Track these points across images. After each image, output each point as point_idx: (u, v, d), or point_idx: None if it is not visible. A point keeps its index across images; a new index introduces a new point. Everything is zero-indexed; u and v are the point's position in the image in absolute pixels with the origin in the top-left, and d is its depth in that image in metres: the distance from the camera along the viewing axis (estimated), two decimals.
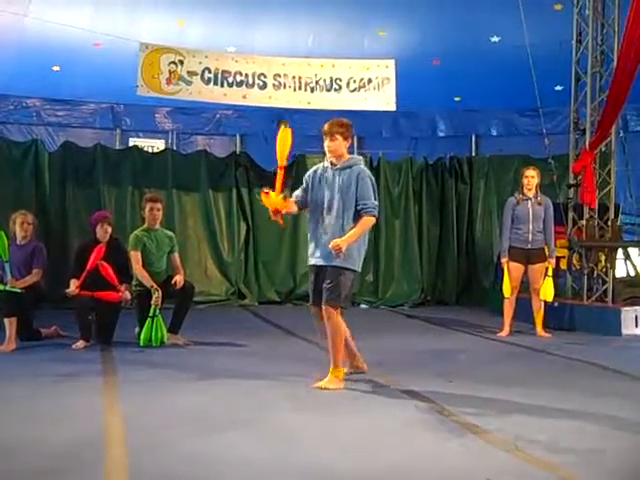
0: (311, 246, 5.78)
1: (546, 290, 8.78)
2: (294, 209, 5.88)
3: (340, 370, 5.72)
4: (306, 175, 5.90)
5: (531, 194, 8.73)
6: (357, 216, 5.64)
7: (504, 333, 8.71)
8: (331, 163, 5.76)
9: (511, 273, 8.75)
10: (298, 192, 5.90)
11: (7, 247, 7.55)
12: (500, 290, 9.02)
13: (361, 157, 5.97)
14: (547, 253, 8.75)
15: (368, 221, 5.65)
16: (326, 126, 5.75)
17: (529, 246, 8.70)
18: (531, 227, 8.67)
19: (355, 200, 5.63)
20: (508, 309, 8.81)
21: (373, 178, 5.79)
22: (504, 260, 8.84)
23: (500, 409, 5.03)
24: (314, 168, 5.90)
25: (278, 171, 5.84)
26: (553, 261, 8.86)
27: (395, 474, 3.72)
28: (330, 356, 5.74)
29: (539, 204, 8.72)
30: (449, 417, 4.79)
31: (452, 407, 5.02)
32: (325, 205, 5.68)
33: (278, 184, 5.72)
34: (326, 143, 5.74)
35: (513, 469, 3.78)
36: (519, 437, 4.27)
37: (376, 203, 5.69)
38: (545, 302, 8.85)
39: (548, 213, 8.75)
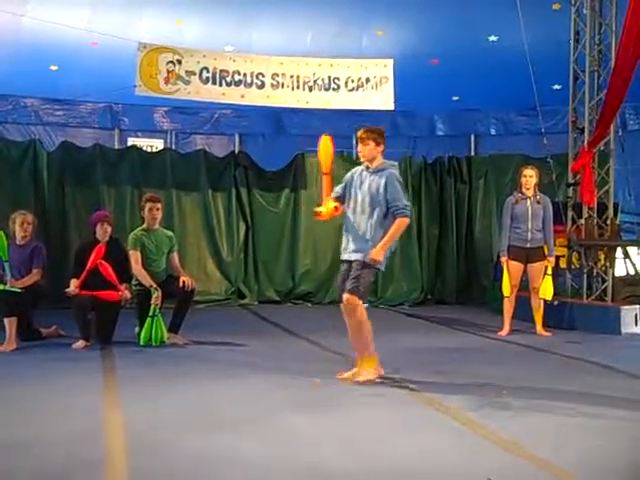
0: (344, 241, 6.04)
1: (545, 289, 8.79)
2: (336, 192, 6.11)
3: (373, 358, 5.87)
4: (346, 175, 6.16)
5: (530, 193, 8.72)
6: (389, 217, 5.88)
7: (504, 332, 8.71)
8: (366, 167, 6.04)
9: (510, 272, 8.74)
10: (338, 189, 6.13)
11: (6, 247, 7.54)
12: (499, 289, 9.03)
13: (395, 163, 6.14)
14: (546, 252, 8.74)
15: (402, 222, 5.88)
16: (360, 132, 6.05)
17: (528, 245, 8.68)
18: (530, 226, 8.66)
19: (386, 202, 5.87)
20: (508, 308, 8.81)
21: (402, 181, 6.03)
22: (503, 259, 8.84)
23: (500, 407, 5.03)
24: (355, 169, 6.18)
25: (324, 178, 6.14)
26: (552, 260, 8.86)
27: (396, 473, 3.73)
28: (358, 348, 5.90)
29: (538, 203, 8.72)
30: (449, 415, 4.80)
31: (452, 405, 5.03)
32: (358, 204, 5.95)
33: (325, 193, 6.08)
34: (359, 147, 6.04)
35: (513, 468, 3.78)
36: (519, 435, 4.28)
37: (407, 204, 5.91)
38: (545, 301, 8.86)
39: (547, 212, 8.75)
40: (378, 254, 5.77)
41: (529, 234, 8.68)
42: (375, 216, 5.88)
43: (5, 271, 7.52)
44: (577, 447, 4.14)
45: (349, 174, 6.15)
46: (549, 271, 8.82)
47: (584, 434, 4.40)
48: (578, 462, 3.85)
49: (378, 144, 5.99)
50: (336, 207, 6.01)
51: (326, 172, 6.09)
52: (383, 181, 5.89)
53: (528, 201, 8.71)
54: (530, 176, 8.75)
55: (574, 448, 4.12)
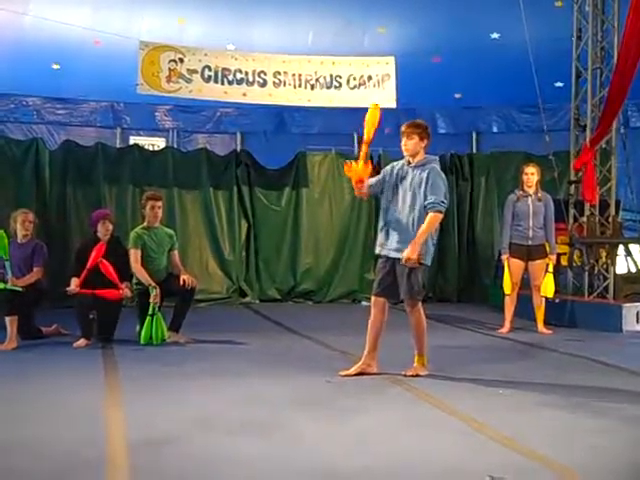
0: (382, 236, 6.00)
1: (547, 286, 8.79)
2: (370, 182, 6.05)
3: (424, 357, 6.07)
4: (386, 168, 6.15)
5: (531, 191, 8.72)
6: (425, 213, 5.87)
7: (505, 330, 8.71)
8: (408, 162, 6.03)
9: (511, 270, 8.74)
10: (373, 180, 6.09)
11: (7, 246, 7.55)
12: (501, 287, 9.02)
13: (436, 157, 6.13)
14: (548, 249, 8.75)
15: (434, 218, 5.85)
16: (403, 126, 6.06)
17: (529, 242, 8.69)
18: (531, 223, 8.67)
19: (424, 197, 5.86)
20: (509, 306, 8.81)
21: (444, 177, 6.01)
22: (504, 257, 8.84)
23: (501, 405, 5.04)
24: (393, 164, 6.15)
25: (363, 146, 6.06)
26: (554, 257, 8.85)
27: (399, 471, 3.72)
28: (417, 345, 6.08)
29: (539, 200, 8.71)
30: (451, 413, 4.80)
31: (453, 403, 5.02)
32: (400, 200, 5.94)
33: (362, 155, 5.99)
34: (403, 141, 6.01)
35: (515, 465, 3.77)
36: (520, 433, 4.28)
37: (443, 200, 5.87)
38: (546, 298, 8.86)
39: (548, 209, 8.75)
40: (412, 252, 5.76)
41: (530, 232, 8.67)
42: (417, 211, 5.86)
43: (6, 270, 7.52)
44: (578, 445, 4.13)
45: (389, 167, 6.13)
46: (550, 269, 8.81)
47: (585, 432, 4.39)
48: (579, 460, 3.85)
49: (422, 139, 5.98)
50: (366, 163, 5.93)
51: (366, 141, 6.03)
52: (425, 175, 5.88)
53: (529, 199, 8.70)
54: (532, 174, 8.73)
55: (575, 446, 4.11)
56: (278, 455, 3.95)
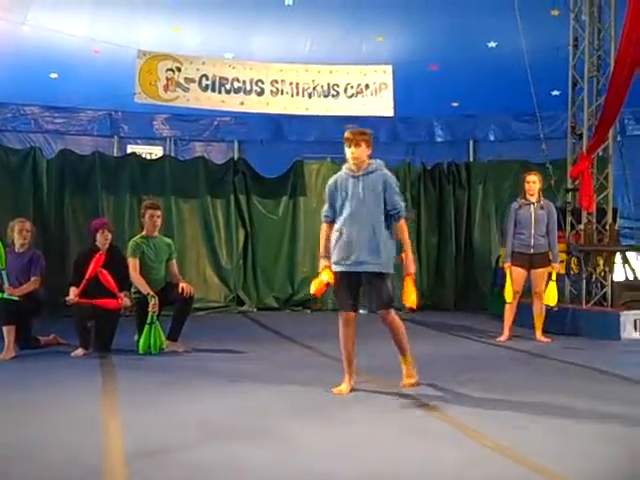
0: (345, 252, 5.66)
1: (550, 295, 8.74)
2: (326, 212, 5.84)
3: (408, 356, 5.97)
4: (328, 190, 5.83)
5: (533, 199, 8.71)
6: (388, 219, 5.73)
7: (503, 338, 8.71)
8: (351, 171, 5.75)
9: (513, 278, 8.72)
10: (328, 211, 5.82)
11: (4, 255, 7.54)
12: (499, 295, 9.02)
13: (382, 162, 5.88)
14: (551, 258, 8.72)
15: (404, 225, 5.82)
16: (349, 134, 5.71)
17: (532, 251, 8.67)
18: (533, 231, 8.65)
19: (384, 204, 5.70)
20: (509, 314, 8.80)
21: (396, 180, 5.90)
22: (507, 265, 8.82)
23: (500, 414, 5.03)
24: (333, 179, 5.84)
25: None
26: (557, 266, 8.82)
27: None
28: (402, 349, 5.94)
29: (542, 209, 8.70)
30: (449, 422, 4.79)
31: (451, 412, 5.02)
32: (354, 212, 5.66)
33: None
34: (351, 150, 5.68)
35: (513, 475, 3.77)
36: (519, 442, 4.27)
37: (403, 204, 5.84)
38: (545, 306, 8.84)
39: (551, 218, 8.75)
40: (413, 264, 5.81)
41: (532, 240, 8.66)
42: (378, 221, 5.67)
43: (2, 279, 7.52)
44: (578, 454, 4.12)
45: (331, 187, 5.79)
46: (554, 277, 8.77)
47: (584, 441, 4.38)
48: (578, 469, 3.84)
49: (368, 146, 5.71)
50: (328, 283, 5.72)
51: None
52: (380, 182, 5.71)
53: (532, 207, 8.70)
54: (533, 182, 8.72)
55: (575, 455, 4.10)
56: (276, 463, 3.94)
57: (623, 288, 9.74)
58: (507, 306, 8.80)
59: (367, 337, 8.62)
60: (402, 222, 5.78)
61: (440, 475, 3.78)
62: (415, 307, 5.92)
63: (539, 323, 8.79)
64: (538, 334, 8.73)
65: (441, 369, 6.77)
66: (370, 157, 5.80)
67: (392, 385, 5.90)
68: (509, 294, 8.75)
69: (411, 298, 5.84)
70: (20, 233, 7.77)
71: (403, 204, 5.82)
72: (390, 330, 5.91)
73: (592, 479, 3.74)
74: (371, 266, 5.68)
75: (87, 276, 7.56)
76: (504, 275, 8.93)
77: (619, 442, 4.37)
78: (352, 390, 5.72)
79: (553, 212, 8.81)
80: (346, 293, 5.78)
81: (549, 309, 8.88)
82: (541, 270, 8.70)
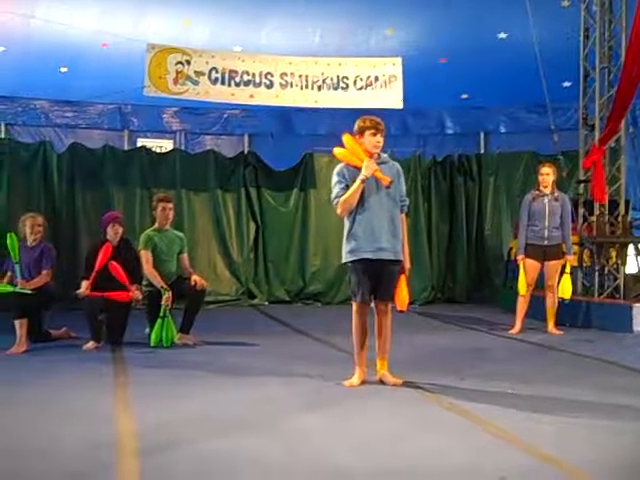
0: (358, 241, 5.61)
1: (564, 287, 8.76)
2: (345, 197, 5.64)
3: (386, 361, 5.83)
4: (341, 173, 5.70)
5: (547, 191, 8.69)
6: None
7: (515, 330, 8.69)
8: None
9: (527, 270, 8.69)
10: (340, 192, 5.66)
11: (17, 249, 7.56)
12: (511, 287, 8.99)
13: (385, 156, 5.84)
14: (565, 250, 8.72)
15: (405, 219, 5.94)
16: (373, 122, 5.68)
17: (545, 242, 8.65)
18: (547, 223, 8.63)
19: (399, 195, 5.75)
20: (522, 306, 8.78)
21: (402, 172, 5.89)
22: (520, 257, 8.79)
23: (511, 406, 5.01)
24: (342, 166, 5.73)
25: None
26: (571, 258, 8.84)
27: (410, 471, 3.71)
28: (385, 348, 5.81)
29: (556, 200, 8.67)
30: (461, 414, 4.78)
31: (464, 404, 5.01)
32: (376, 201, 5.62)
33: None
34: (376, 138, 5.64)
35: (526, 466, 3.76)
36: (531, 434, 4.26)
37: (407, 200, 5.91)
38: (560, 299, 8.83)
39: (565, 209, 8.72)
40: (408, 261, 5.88)
41: (546, 232, 8.63)
42: (395, 210, 5.71)
43: (15, 273, 7.53)
44: (589, 445, 4.11)
45: (343, 173, 5.68)
46: (568, 269, 8.78)
47: (596, 432, 4.37)
48: (590, 460, 3.83)
49: (382, 136, 5.70)
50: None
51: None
52: (395, 172, 5.72)
53: (546, 198, 8.67)
54: (547, 174, 8.70)
55: (586, 446, 4.09)
56: (291, 456, 3.94)
57: (636, 280, 9.69)
58: (520, 298, 8.77)
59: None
60: (404, 215, 5.84)
61: (454, 467, 3.77)
62: (405, 309, 5.86)
63: (551, 315, 8.76)
64: (550, 326, 8.71)
65: (453, 361, 6.77)
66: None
67: (405, 377, 5.88)
68: (522, 286, 8.71)
69: (401, 297, 5.78)
70: (32, 228, 7.78)
71: (406, 198, 5.87)
72: (384, 325, 5.81)
73: (603, 470, 3.72)
74: (391, 254, 5.68)
75: (96, 267, 7.57)
76: (515, 268, 8.90)
77: (630, 433, 4.36)
78: (363, 383, 5.69)
79: (567, 204, 8.79)
80: (367, 282, 5.70)
81: (562, 301, 8.86)
82: (554, 262, 8.67)
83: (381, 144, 5.67)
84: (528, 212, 8.75)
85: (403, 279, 5.80)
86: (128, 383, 5.89)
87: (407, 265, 5.85)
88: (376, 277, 5.71)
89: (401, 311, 5.86)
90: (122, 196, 11.96)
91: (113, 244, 7.75)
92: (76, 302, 7.79)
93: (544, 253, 8.66)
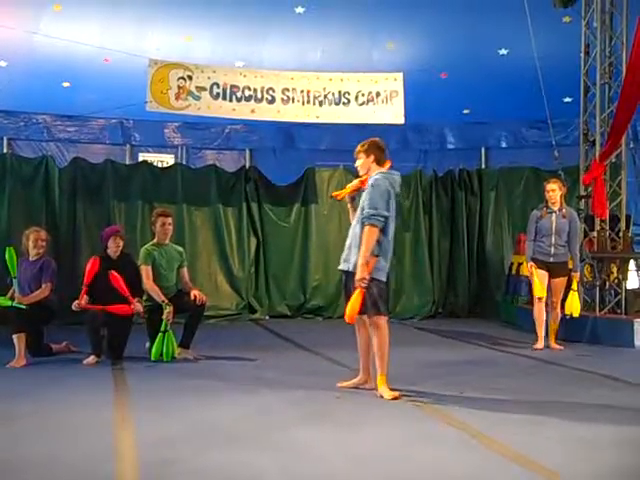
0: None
1: (572, 305, 8.71)
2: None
3: (385, 376, 5.90)
4: (385, 191, 5.98)
5: (555, 207, 8.67)
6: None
7: (539, 345, 8.55)
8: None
9: (539, 276, 8.59)
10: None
11: (15, 264, 7.56)
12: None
13: (385, 170, 6.01)
14: (571, 266, 8.68)
15: (367, 232, 5.82)
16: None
17: (551, 259, 8.61)
18: (553, 240, 8.59)
19: (362, 210, 5.97)
20: (539, 314, 8.64)
21: (384, 186, 5.89)
22: (530, 264, 8.69)
23: (511, 420, 5.02)
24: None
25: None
26: (578, 275, 8.80)
27: None
28: (380, 365, 5.89)
29: (563, 217, 8.64)
30: (460, 428, 4.77)
31: (463, 418, 5.00)
32: (355, 216, 6.13)
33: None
34: (356, 163, 6.20)
35: (522, 479, 3.78)
36: (530, 448, 4.26)
37: (377, 212, 5.81)
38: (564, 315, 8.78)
39: (573, 226, 8.68)
40: (360, 273, 5.75)
41: (552, 249, 8.60)
42: (359, 224, 5.97)
43: (14, 287, 7.54)
44: (588, 460, 4.12)
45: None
46: (574, 286, 8.72)
47: (595, 447, 4.37)
48: (588, 475, 3.83)
49: (368, 155, 6.03)
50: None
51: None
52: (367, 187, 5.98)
53: (553, 215, 8.65)
54: (553, 190, 8.68)
55: (585, 461, 4.10)
56: (287, 470, 3.95)
57: (637, 295, 9.70)
58: (536, 307, 8.65)
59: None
60: (367, 228, 5.82)
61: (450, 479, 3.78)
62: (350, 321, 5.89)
63: (553, 331, 8.71)
64: (552, 341, 8.66)
65: (453, 376, 6.76)
66: (380, 162, 6.05)
67: (405, 392, 5.87)
68: (538, 289, 8.56)
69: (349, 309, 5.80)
70: (35, 242, 7.79)
71: (373, 212, 5.81)
72: (367, 336, 6.02)
73: None
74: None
75: (85, 281, 7.56)
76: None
77: (630, 447, 4.36)
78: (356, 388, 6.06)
79: (575, 220, 8.77)
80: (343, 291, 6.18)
81: (570, 318, 8.81)
82: (560, 280, 8.63)
83: (361, 166, 6.11)
84: (535, 228, 8.71)
85: (358, 293, 5.78)
86: (128, 397, 5.88)
87: (358, 275, 5.79)
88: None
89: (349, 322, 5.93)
90: (123, 211, 11.97)
91: (113, 258, 7.75)
92: (76, 316, 7.78)
93: (549, 270, 8.61)
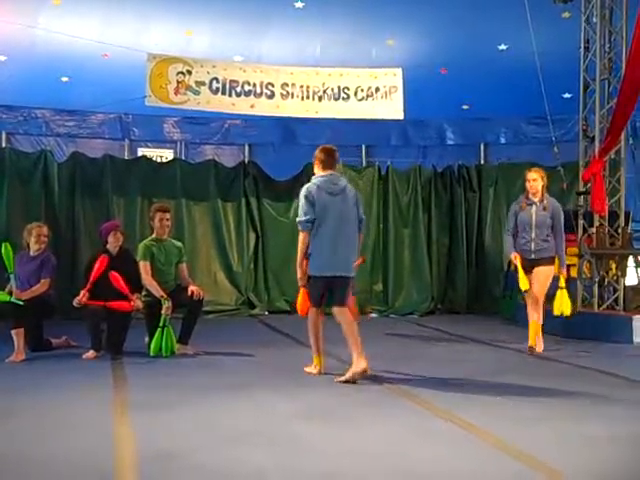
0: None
1: (562, 304, 8.05)
2: None
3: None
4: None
5: (536, 198, 7.92)
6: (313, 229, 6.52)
7: (538, 349, 7.89)
8: None
9: (520, 275, 7.88)
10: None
11: (12, 259, 7.55)
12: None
13: (314, 177, 6.68)
14: (557, 263, 7.99)
15: (299, 236, 6.53)
16: None
17: (533, 256, 7.87)
18: (534, 235, 7.85)
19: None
20: (532, 313, 7.92)
21: (305, 192, 6.53)
22: (513, 255, 7.99)
23: (510, 417, 5.02)
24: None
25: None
26: (565, 272, 8.07)
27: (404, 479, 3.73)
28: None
29: (544, 209, 7.86)
30: (459, 425, 4.78)
31: (462, 415, 5.00)
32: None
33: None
34: None
35: (524, 477, 3.76)
36: (529, 444, 4.26)
37: (298, 219, 6.54)
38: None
39: (557, 219, 7.90)
40: (298, 273, 6.53)
41: (532, 244, 7.87)
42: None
43: (11, 283, 7.54)
44: (587, 456, 4.12)
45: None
46: (562, 284, 8.03)
47: (594, 443, 4.37)
48: (588, 472, 3.84)
49: (315, 164, 6.73)
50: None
51: None
52: None
53: (533, 207, 7.92)
54: (534, 180, 7.94)
55: (584, 458, 4.10)
56: (286, 466, 3.94)
57: (635, 292, 9.71)
58: (528, 302, 7.98)
59: (378, 340, 8.65)
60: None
61: (452, 477, 3.78)
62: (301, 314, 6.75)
63: (533, 331, 7.88)
64: (531, 342, 7.84)
65: (452, 373, 6.76)
66: (324, 167, 6.69)
67: (404, 389, 5.88)
68: (523, 282, 7.83)
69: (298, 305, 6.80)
70: (37, 237, 7.79)
71: (297, 219, 6.57)
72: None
73: (600, 479, 3.73)
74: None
75: (91, 279, 7.56)
76: (515, 279, 8.71)
77: (627, 443, 4.38)
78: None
79: (559, 212, 7.96)
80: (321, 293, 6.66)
81: (564, 316, 8.65)
82: (543, 268, 7.82)
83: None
84: (515, 222, 8.00)
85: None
86: (127, 393, 5.89)
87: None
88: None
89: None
90: (122, 205, 11.97)
91: (112, 253, 7.75)
92: (75, 311, 7.78)
93: (532, 267, 7.87)
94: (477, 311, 12.48)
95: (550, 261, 7.92)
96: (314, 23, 11.83)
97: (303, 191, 6.52)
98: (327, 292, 6.50)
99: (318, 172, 6.65)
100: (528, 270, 7.89)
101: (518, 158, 13.09)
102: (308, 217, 6.40)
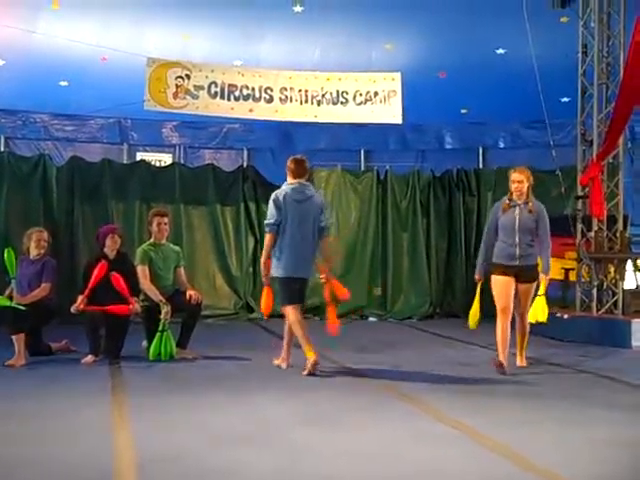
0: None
1: (537, 311, 7.15)
2: None
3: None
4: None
5: (520, 200, 7.17)
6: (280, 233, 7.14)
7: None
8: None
9: (498, 291, 7.16)
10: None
11: (15, 264, 7.54)
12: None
13: (283, 185, 7.25)
14: (540, 268, 7.22)
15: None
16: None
17: (517, 262, 7.10)
18: (517, 239, 7.08)
19: None
20: (500, 336, 7.14)
21: (274, 197, 7.12)
22: (477, 277, 7.41)
23: (507, 419, 5.04)
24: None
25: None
26: (547, 278, 7.17)
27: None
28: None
29: (529, 212, 7.12)
30: (458, 428, 4.78)
31: (460, 418, 5.00)
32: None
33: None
34: None
35: (520, 479, 3.78)
36: (528, 448, 4.27)
37: (266, 221, 7.19)
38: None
39: (542, 222, 7.15)
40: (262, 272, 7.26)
41: (516, 249, 7.09)
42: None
43: (13, 288, 7.53)
44: (587, 460, 4.12)
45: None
46: (541, 291, 7.17)
47: (593, 447, 4.37)
48: (588, 476, 3.84)
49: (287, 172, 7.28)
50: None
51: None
52: None
53: (517, 209, 7.14)
54: (520, 181, 7.14)
55: (584, 461, 4.10)
56: (285, 470, 3.94)
57: (634, 296, 9.71)
58: (498, 330, 7.15)
59: (376, 344, 8.65)
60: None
61: (450, 478, 3.78)
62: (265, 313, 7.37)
63: (520, 345, 7.40)
64: (519, 359, 7.39)
65: (450, 376, 6.77)
66: (294, 176, 7.26)
67: (400, 391, 5.88)
68: (473, 319, 7.39)
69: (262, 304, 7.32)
70: (38, 242, 7.79)
71: (265, 221, 7.25)
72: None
73: None
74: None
75: (90, 285, 7.55)
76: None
77: (627, 448, 4.37)
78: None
79: (544, 216, 7.19)
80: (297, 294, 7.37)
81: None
82: (528, 286, 7.17)
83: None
84: (496, 225, 7.25)
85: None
86: (126, 397, 5.88)
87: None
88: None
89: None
90: (121, 210, 11.97)
91: (110, 257, 7.75)
92: (74, 316, 7.77)
93: (516, 276, 7.12)
94: None
95: (535, 273, 7.22)
96: (313, 27, 11.85)
97: (272, 196, 7.11)
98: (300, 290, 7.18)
99: (289, 180, 7.22)
100: (510, 275, 7.14)
101: (516, 162, 13.04)
102: (274, 220, 7.02)
